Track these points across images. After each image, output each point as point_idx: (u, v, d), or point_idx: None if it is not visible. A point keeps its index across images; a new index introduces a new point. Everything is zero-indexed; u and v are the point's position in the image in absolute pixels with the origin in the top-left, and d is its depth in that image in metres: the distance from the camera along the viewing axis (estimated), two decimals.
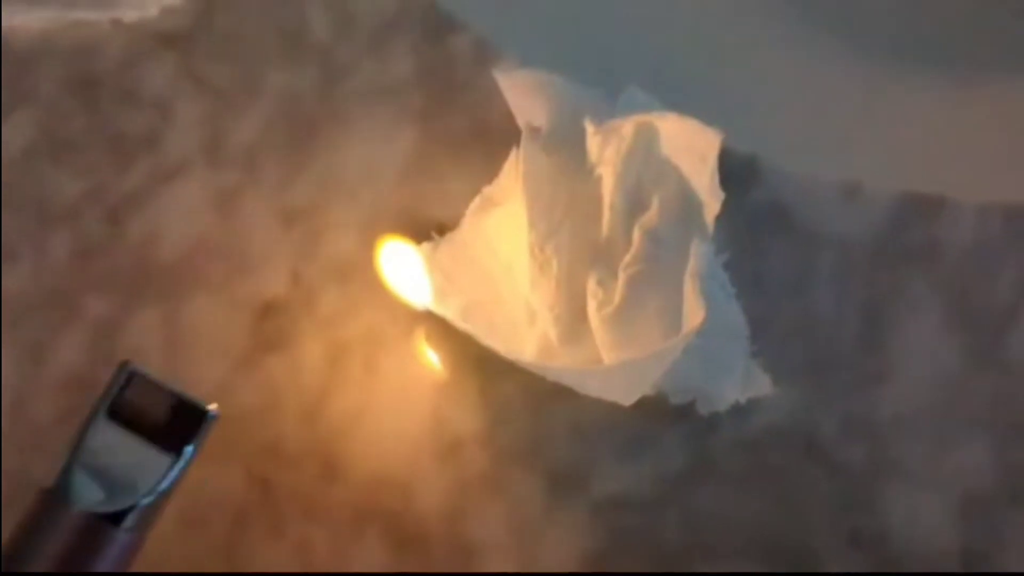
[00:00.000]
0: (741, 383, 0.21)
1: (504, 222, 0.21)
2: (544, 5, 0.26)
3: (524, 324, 0.21)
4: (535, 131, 0.22)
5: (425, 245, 0.22)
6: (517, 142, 0.23)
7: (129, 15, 0.25)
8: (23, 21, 0.25)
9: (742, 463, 0.21)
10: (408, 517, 0.21)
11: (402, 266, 0.21)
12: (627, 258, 0.20)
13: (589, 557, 0.21)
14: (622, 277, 0.20)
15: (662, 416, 0.21)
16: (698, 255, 0.20)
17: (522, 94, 0.23)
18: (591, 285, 0.20)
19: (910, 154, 0.24)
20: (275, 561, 0.21)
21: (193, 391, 0.18)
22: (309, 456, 0.22)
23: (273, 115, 0.24)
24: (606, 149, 0.21)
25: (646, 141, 0.21)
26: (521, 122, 0.22)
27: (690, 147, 0.21)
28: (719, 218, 0.21)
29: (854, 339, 0.22)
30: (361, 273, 0.22)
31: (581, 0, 0.26)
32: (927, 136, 0.25)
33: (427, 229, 0.23)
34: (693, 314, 0.19)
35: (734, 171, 0.23)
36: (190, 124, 0.24)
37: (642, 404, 0.20)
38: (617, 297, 0.20)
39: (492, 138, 0.24)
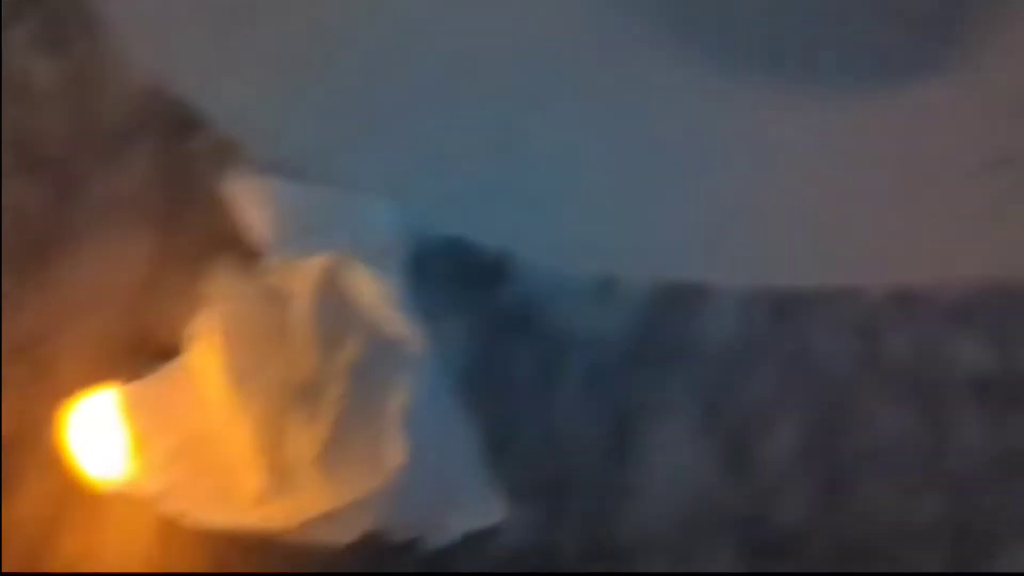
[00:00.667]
0: (470, 512, 0.20)
1: (199, 369, 0.20)
2: (293, 97, 0.25)
3: (245, 464, 0.20)
4: (266, 245, 0.21)
5: (129, 386, 0.21)
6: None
7: None
8: None
9: None
10: None
11: (91, 427, 0.20)
12: (330, 396, 0.19)
13: None
14: (326, 416, 0.19)
15: (389, 553, 0.20)
16: (405, 388, 0.19)
17: (251, 203, 0.21)
18: (294, 427, 0.19)
19: (670, 240, 0.23)
20: None
21: None
22: None
23: (5, 233, 0.23)
24: (294, 283, 0.20)
25: (338, 279, 0.20)
26: (252, 234, 0.21)
27: (373, 288, 0.20)
28: (464, 321, 0.20)
29: (602, 451, 0.21)
30: None
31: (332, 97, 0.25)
32: (688, 221, 0.23)
33: (159, 355, 0.22)
34: (393, 454, 0.18)
35: (483, 268, 0.22)
36: None
37: (367, 542, 0.19)
38: (322, 437, 0.19)
39: (233, 248, 0.23)
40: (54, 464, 0.21)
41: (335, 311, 0.20)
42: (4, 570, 0.21)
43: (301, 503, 0.19)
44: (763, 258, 0.23)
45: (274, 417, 0.19)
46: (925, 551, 0.21)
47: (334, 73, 0.27)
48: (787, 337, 0.22)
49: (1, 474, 0.21)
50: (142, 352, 0.22)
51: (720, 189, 0.26)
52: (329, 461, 0.19)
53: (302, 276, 0.20)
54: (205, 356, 0.20)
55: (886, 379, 0.22)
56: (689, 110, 0.29)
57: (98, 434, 0.20)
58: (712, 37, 0.30)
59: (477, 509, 0.20)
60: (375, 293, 0.19)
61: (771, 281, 0.22)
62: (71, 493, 0.21)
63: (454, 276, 0.22)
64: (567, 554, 0.20)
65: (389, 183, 0.22)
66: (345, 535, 0.19)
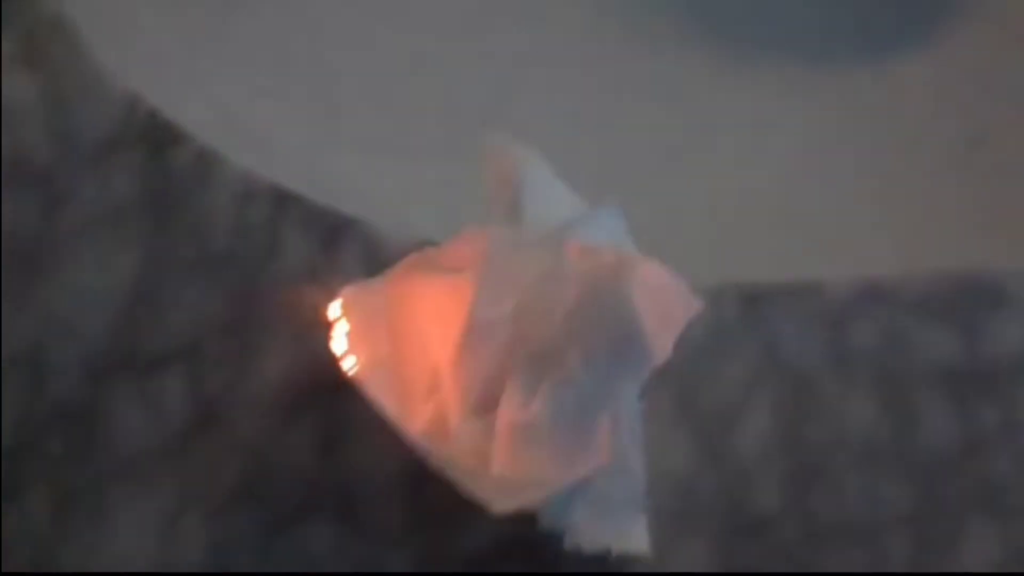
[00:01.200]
0: (619, 534, 0.20)
1: (437, 286, 0.21)
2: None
3: (420, 395, 0.20)
4: (510, 211, 0.21)
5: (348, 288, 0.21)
6: (244, 263, 0.22)
7: None
8: None
9: None
10: None
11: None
12: (558, 375, 0.19)
13: None
14: (546, 391, 0.19)
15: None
16: (624, 398, 0.19)
17: (503, 168, 0.21)
18: (513, 385, 0.20)
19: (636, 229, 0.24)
20: None
21: None
22: None
23: None
24: (581, 264, 0.20)
25: (619, 272, 0.20)
26: (494, 197, 0.21)
27: (661, 300, 0.20)
28: None
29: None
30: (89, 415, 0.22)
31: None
32: (660, 216, 0.24)
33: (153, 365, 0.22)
34: (598, 454, 0.19)
35: None
36: None
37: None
38: (534, 408, 0.19)
39: (216, 261, 0.23)
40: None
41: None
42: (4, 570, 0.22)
43: (482, 447, 0.19)
44: (731, 252, 0.23)
45: (499, 367, 0.20)
46: (894, 533, 0.21)
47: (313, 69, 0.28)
48: (755, 329, 0.23)
49: (1, 481, 0.22)
50: (131, 366, 0.23)
51: (689, 178, 0.26)
52: (531, 432, 0.19)
53: (589, 260, 0.20)
54: (429, 286, 0.20)
55: (854, 370, 0.22)
56: (663, 94, 0.29)
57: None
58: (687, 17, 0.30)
59: (632, 533, 0.20)
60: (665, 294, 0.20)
61: (739, 276, 0.23)
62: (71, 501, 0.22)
63: None
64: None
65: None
66: (504, 505, 0.19)
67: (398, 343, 0.21)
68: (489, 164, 0.21)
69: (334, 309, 0.21)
